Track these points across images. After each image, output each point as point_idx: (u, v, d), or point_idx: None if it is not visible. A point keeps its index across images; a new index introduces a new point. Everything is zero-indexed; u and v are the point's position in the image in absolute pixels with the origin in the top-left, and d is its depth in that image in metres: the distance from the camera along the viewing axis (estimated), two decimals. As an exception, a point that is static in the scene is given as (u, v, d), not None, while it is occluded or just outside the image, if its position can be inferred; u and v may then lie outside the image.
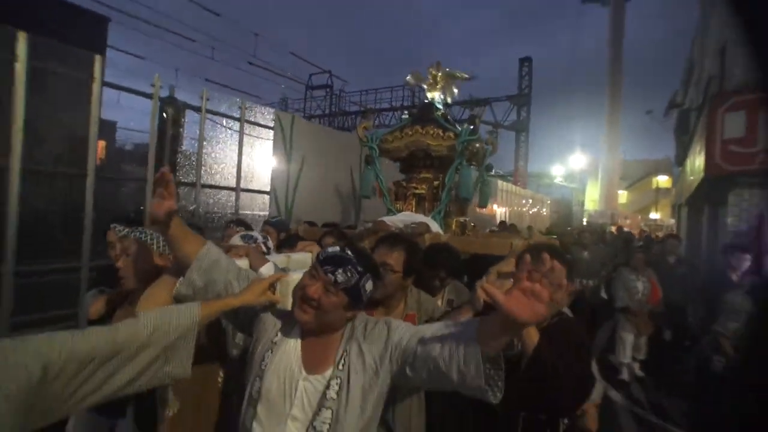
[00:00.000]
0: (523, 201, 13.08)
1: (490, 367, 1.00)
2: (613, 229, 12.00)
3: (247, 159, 4.41)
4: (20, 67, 2.82)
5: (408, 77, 3.36)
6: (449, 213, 3.09)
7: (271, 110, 4.75)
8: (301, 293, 1.15)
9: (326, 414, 1.09)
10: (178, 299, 1.23)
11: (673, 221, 14.68)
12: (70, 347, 0.90)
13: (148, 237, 1.49)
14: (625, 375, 4.11)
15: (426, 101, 3.24)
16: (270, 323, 1.24)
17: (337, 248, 1.20)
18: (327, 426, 1.08)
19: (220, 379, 1.51)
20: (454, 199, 3.10)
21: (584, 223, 15.72)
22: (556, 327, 1.45)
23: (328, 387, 1.11)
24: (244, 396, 1.20)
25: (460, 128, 3.00)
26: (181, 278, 1.26)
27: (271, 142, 4.66)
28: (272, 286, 1.25)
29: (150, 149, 3.67)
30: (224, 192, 4.22)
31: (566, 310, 1.70)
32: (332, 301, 1.13)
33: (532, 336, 1.32)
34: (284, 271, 1.53)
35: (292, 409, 1.11)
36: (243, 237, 1.77)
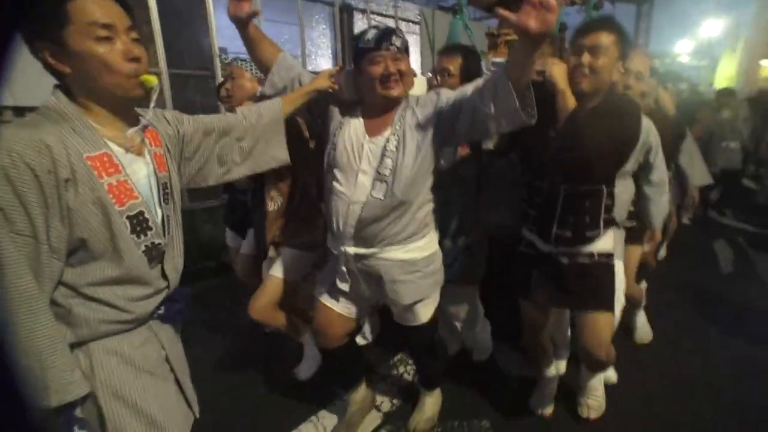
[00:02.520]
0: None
1: (521, 94, 1.11)
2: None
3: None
4: None
5: None
6: (541, 54, 2.85)
7: (417, 7, 5.42)
8: (380, 76, 1.27)
9: (387, 162, 1.29)
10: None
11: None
12: (195, 118, 1.11)
13: (244, 63, 1.82)
14: None
15: None
16: (337, 110, 1.42)
17: (375, 29, 1.31)
18: (389, 170, 1.29)
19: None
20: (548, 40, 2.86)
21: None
22: (605, 104, 1.38)
23: (387, 142, 1.30)
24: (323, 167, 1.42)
25: None
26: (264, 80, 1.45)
27: (418, 36, 5.42)
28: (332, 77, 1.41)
29: (336, 45, 4.70)
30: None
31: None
32: (406, 62, 1.31)
33: (568, 100, 1.36)
34: None
35: (361, 164, 1.31)
36: None
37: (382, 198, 1.28)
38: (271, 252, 1.84)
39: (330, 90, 1.39)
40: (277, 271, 1.80)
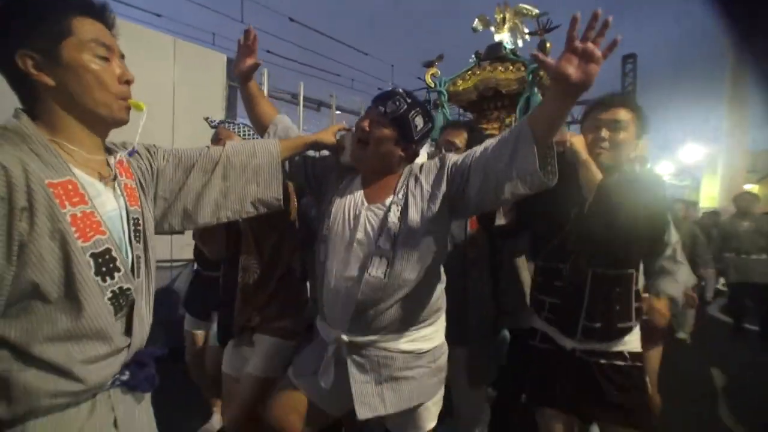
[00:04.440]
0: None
1: (543, 153, 0.96)
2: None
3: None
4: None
5: (475, 23, 3.07)
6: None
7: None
8: (355, 134, 1.20)
9: (389, 234, 1.12)
10: None
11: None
12: (174, 154, 1.00)
13: (232, 125, 1.69)
14: None
15: (493, 43, 3.05)
16: (336, 173, 1.30)
17: (390, 87, 1.23)
18: (390, 244, 1.11)
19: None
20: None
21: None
22: (630, 177, 1.28)
23: (389, 211, 1.14)
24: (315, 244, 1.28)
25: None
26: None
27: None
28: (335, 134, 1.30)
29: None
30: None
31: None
32: (383, 132, 1.15)
33: (595, 172, 1.25)
34: None
35: (357, 234, 1.15)
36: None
37: (383, 277, 1.10)
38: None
39: (334, 147, 1.28)
40: (252, 368, 1.49)
